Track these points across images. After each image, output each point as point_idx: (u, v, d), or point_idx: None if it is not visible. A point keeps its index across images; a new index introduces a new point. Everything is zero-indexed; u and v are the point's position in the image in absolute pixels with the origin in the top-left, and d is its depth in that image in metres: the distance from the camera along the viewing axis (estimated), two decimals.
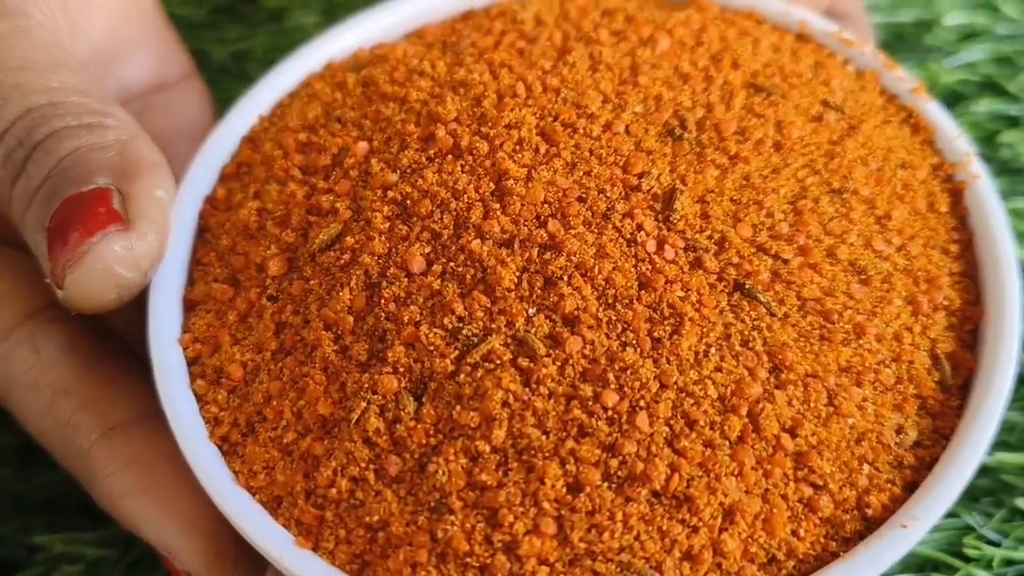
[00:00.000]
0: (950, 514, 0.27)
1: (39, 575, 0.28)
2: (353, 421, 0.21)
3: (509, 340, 0.21)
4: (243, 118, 0.27)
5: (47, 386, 0.24)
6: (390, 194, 0.23)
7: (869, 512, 0.21)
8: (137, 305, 0.24)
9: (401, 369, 0.21)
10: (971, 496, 0.28)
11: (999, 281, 0.23)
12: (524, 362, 0.20)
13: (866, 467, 0.21)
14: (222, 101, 0.36)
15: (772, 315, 0.21)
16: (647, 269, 0.21)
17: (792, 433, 0.21)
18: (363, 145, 0.24)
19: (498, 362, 0.20)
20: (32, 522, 0.29)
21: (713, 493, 0.20)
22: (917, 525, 0.21)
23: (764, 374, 0.21)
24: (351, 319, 0.22)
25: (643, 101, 0.24)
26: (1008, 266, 0.23)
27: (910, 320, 0.23)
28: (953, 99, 0.36)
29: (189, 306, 0.24)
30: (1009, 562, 0.27)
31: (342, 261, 0.22)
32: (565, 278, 0.21)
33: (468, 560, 0.20)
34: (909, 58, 0.37)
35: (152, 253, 0.23)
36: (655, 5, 0.28)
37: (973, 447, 0.21)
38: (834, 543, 0.21)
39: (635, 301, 0.21)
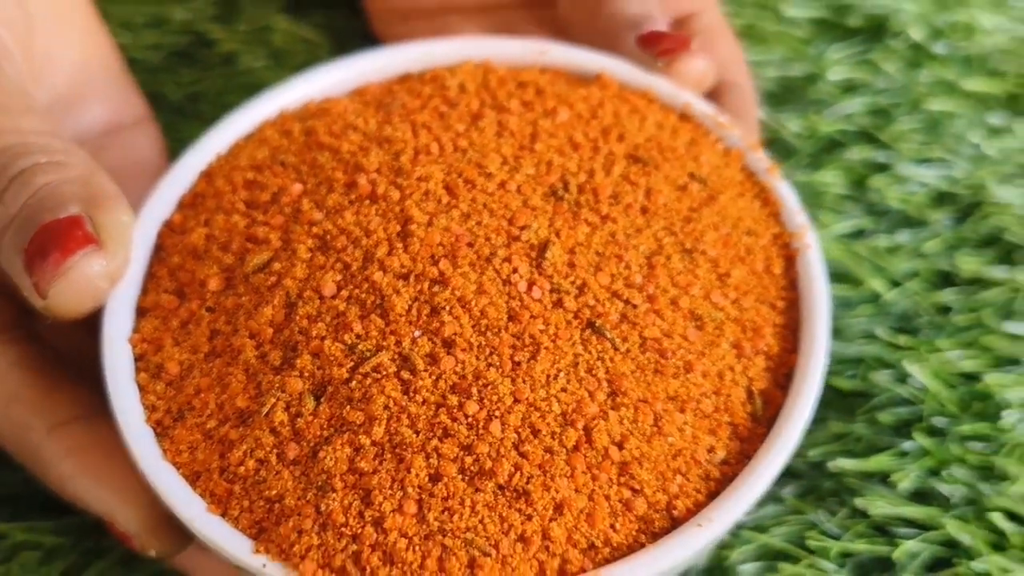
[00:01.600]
0: (797, 511, 0.31)
1: (0, 561, 0.31)
2: (263, 414, 0.24)
3: (396, 356, 0.24)
4: (202, 156, 0.30)
5: (2, 393, 0.27)
6: (314, 229, 0.26)
7: (675, 513, 0.24)
8: (78, 322, 0.27)
9: (306, 374, 0.24)
10: (817, 496, 0.31)
11: (812, 334, 0.27)
12: (406, 375, 0.24)
13: (678, 477, 0.24)
14: (177, 140, 0.38)
15: (616, 349, 0.25)
16: (516, 305, 0.25)
17: (619, 446, 0.24)
18: (298, 187, 0.27)
19: (384, 373, 0.24)
20: None
21: (547, 490, 0.23)
22: (711, 525, 0.24)
23: (602, 397, 0.24)
24: (271, 331, 0.25)
25: (536, 165, 0.27)
26: (821, 322, 0.27)
27: (734, 361, 0.26)
28: (831, 146, 0.39)
29: (141, 312, 0.27)
30: (847, 554, 0.31)
31: (269, 282, 0.26)
32: (447, 308, 0.24)
33: (343, 530, 0.23)
34: (795, 108, 0.40)
35: (121, 269, 0.26)
36: (565, 81, 0.31)
37: (768, 466, 0.25)
38: (644, 536, 0.24)
39: (503, 330, 0.24)
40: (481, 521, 0.23)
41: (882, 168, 0.39)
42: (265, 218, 0.27)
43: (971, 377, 0.34)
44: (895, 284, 0.36)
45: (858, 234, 0.37)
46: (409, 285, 0.25)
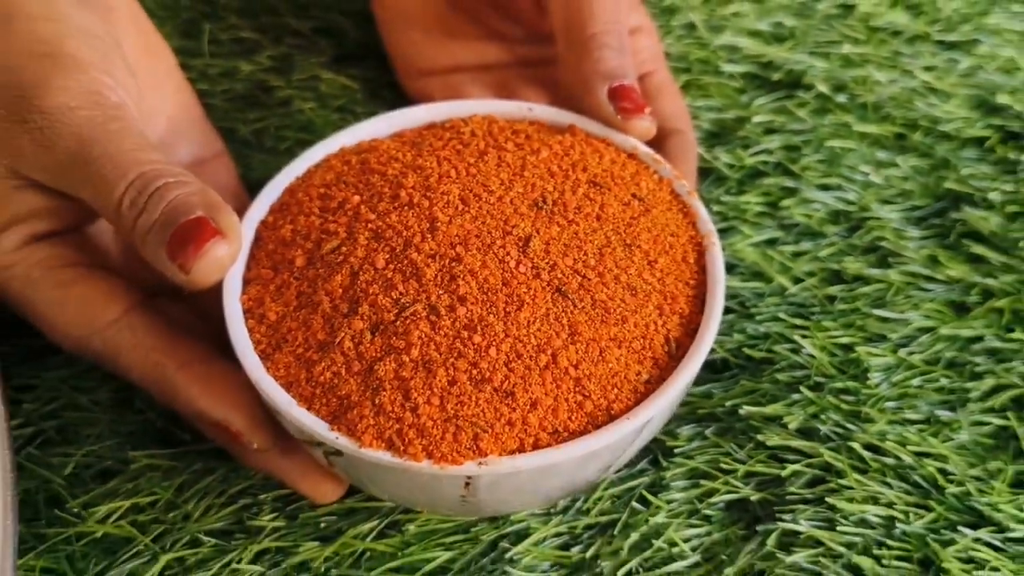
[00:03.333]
0: (716, 444, 0.42)
1: (130, 479, 0.41)
2: (336, 342, 0.33)
3: (426, 306, 0.33)
4: (286, 178, 0.40)
5: (140, 349, 0.37)
6: (369, 225, 0.35)
7: (612, 412, 0.33)
8: (204, 291, 0.37)
9: (365, 318, 0.33)
10: (731, 434, 0.42)
11: (713, 301, 0.36)
12: (433, 318, 0.33)
13: (615, 390, 0.33)
14: (247, 167, 0.49)
15: (575, 306, 0.34)
16: (508, 276, 0.34)
17: (575, 367, 0.33)
18: (356, 198, 0.36)
19: (419, 316, 0.33)
20: (124, 443, 0.41)
21: (526, 392, 0.32)
22: (635, 419, 0.33)
23: (564, 335, 0.33)
24: (340, 291, 0.34)
25: (524, 186, 0.36)
26: (718, 298, 0.36)
27: (657, 318, 0.35)
28: (753, 175, 0.49)
29: (246, 281, 0.36)
30: (750, 473, 0.42)
31: (338, 260, 0.35)
32: (461, 276, 0.33)
33: (390, 415, 0.32)
34: (727, 145, 0.50)
35: (236, 252, 0.34)
36: (547, 130, 0.40)
37: (675, 385, 0.34)
38: (591, 426, 0.33)
39: (499, 291, 0.33)
40: (482, 411, 0.32)
41: (792, 192, 0.49)
42: (334, 218, 0.36)
43: (847, 348, 0.44)
44: (797, 281, 0.46)
45: (771, 242, 0.47)
46: (435, 262, 0.34)
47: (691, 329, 0.36)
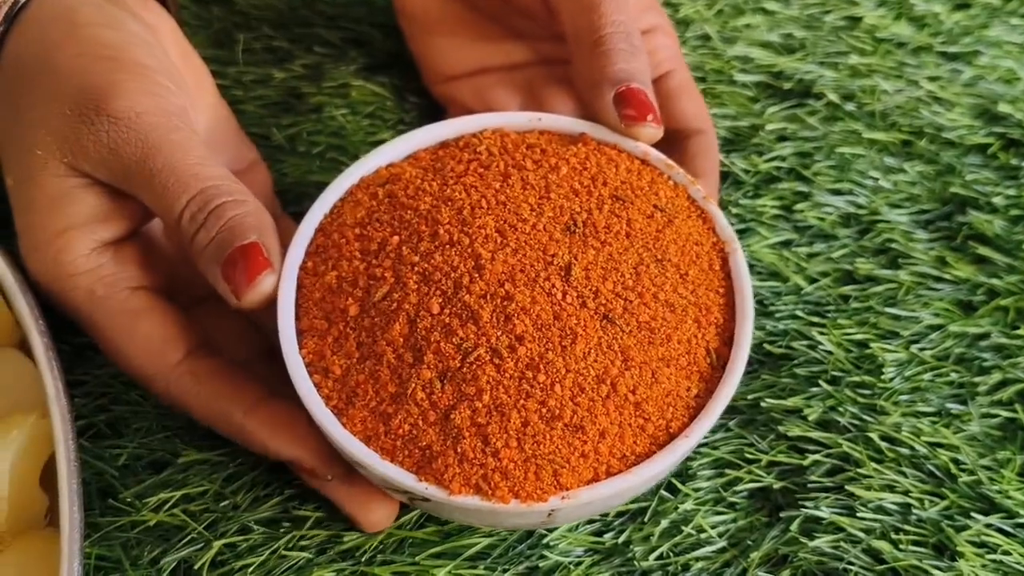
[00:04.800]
0: (739, 435, 0.44)
1: (180, 471, 0.41)
2: (408, 394, 0.33)
3: (488, 349, 0.33)
4: (314, 216, 0.38)
5: (205, 396, 0.37)
6: (416, 268, 0.34)
7: (671, 431, 0.34)
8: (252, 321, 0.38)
9: (432, 366, 0.33)
10: (753, 426, 0.43)
11: (743, 309, 0.36)
12: (496, 360, 0.32)
13: (670, 409, 0.34)
14: (281, 172, 0.49)
15: (623, 332, 0.33)
16: (558, 309, 0.33)
17: (633, 392, 0.33)
18: (396, 238, 0.35)
19: (483, 361, 0.32)
20: (172, 437, 0.42)
21: (594, 424, 0.33)
22: (692, 436, 0.34)
23: (619, 362, 0.33)
24: (401, 339, 0.33)
25: (553, 209, 0.35)
26: (748, 302, 0.36)
27: (696, 331, 0.35)
28: (768, 180, 0.51)
29: (300, 332, 0.35)
30: (772, 463, 0.43)
31: (392, 307, 0.34)
32: (515, 315, 0.33)
33: (474, 461, 0.32)
34: (742, 151, 0.51)
35: (278, 277, 0.35)
36: (558, 140, 0.39)
37: (723, 396, 0.35)
38: (654, 447, 0.34)
39: (552, 326, 0.33)
40: (557, 447, 0.33)
41: (805, 196, 0.49)
42: (378, 262, 0.35)
43: (862, 344, 0.45)
44: (812, 280, 0.47)
45: (787, 244, 0.48)
46: (488, 302, 0.33)
47: (727, 337, 0.36)
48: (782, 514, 0.41)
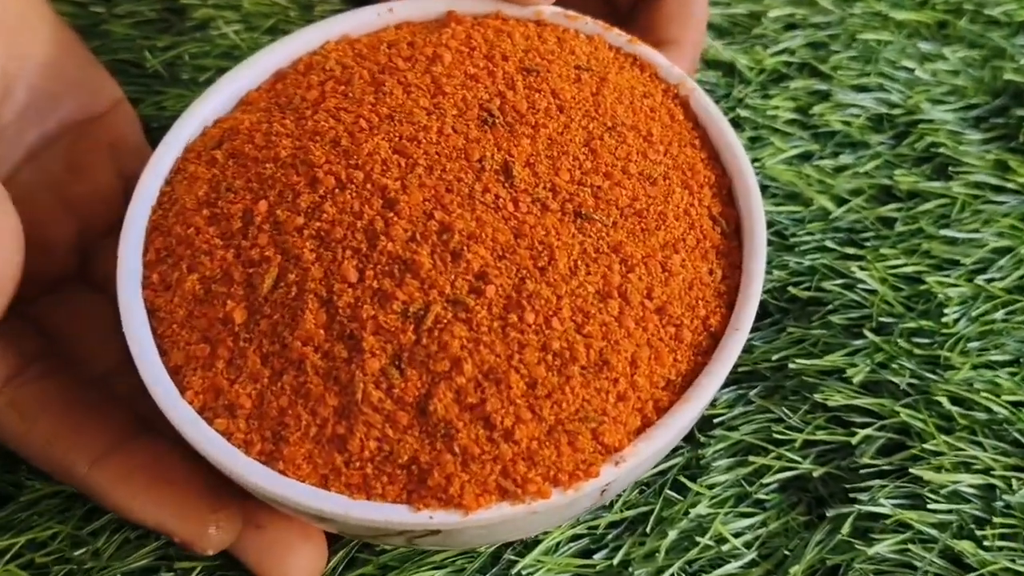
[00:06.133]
0: (764, 409, 0.34)
1: (23, 508, 0.32)
2: (359, 399, 0.25)
3: (445, 304, 0.26)
4: (139, 214, 0.30)
5: (37, 439, 0.29)
6: (305, 232, 0.27)
7: (712, 330, 0.28)
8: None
9: (377, 352, 0.26)
10: (781, 395, 0.34)
11: (734, 156, 0.31)
12: (462, 314, 0.26)
13: (700, 302, 0.28)
14: (159, 107, 0.40)
15: (605, 225, 0.27)
16: (515, 223, 0.27)
17: (650, 297, 0.27)
18: (263, 203, 0.28)
19: (445, 321, 0.26)
20: (17, 466, 0.33)
21: (618, 352, 0.26)
22: (741, 329, 0.28)
23: (617, 266, 0.27)
24: (322, 332, 0.26)
25: (455, 105, 0.29)
26: (735, 144, 0.31)
27: (689, 198, 0.29)
28: (777, 78, 0.42)
29: (175, 372, 0.27)
30: (809, 443, 0.34)
31: (292, 294, 0.26)
32: (464, 248, 0.26)
33: (483, 458, 0.25)
34: (740, 43, 0.43)
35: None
36: (423, 30, 0.32)
37: (755, 271, 0.29)
38: (699, 357, 0.28)
39: (516, 248, 0.27)
40: (584, 399, 0.26)
41: (824, 96, 0.42)
42: (250, 241, 0.28)
43: (914, 279, 0.37)
44: (842, 201, 0.39)
45: (806, 157, 0.40)
46: (422, 243, 0.26)
47: (725, 196, 0.31)
48: (828, 512, 0.32)
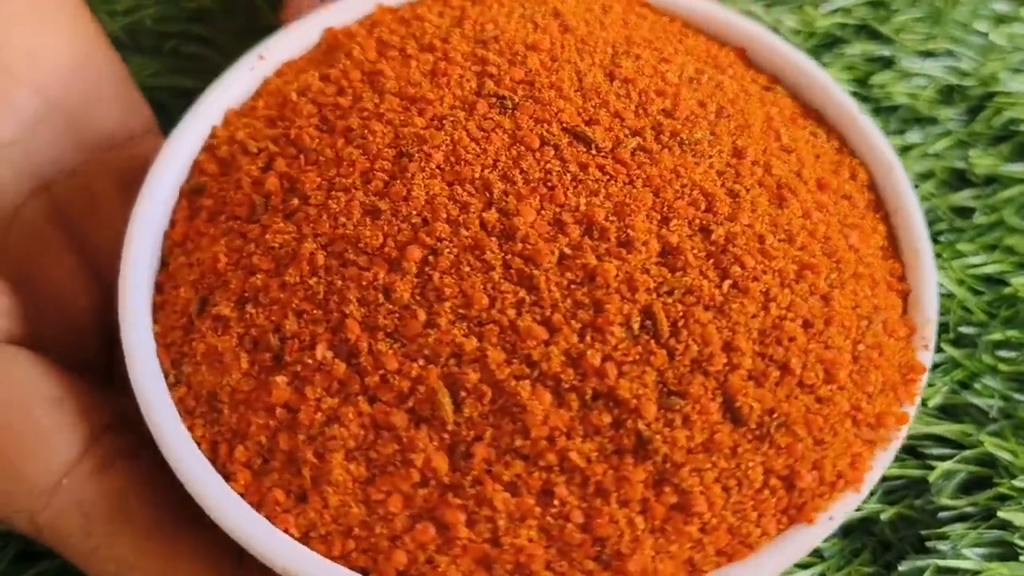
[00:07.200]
0: None
1: None
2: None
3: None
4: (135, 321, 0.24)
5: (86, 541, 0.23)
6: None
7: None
8: None
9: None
10: None
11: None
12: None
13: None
14: None
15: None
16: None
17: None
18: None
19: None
20: None
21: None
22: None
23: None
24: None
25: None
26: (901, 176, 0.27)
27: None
28: (830, 42, 0.37)
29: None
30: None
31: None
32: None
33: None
34: (787, 1, 0.38)
35: None
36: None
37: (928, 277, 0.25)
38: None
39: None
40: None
41: (886, 63, 0.36)
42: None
43: (997, 281, 0.32)
44: None
45: None
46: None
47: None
48: (902, 566, 0.27)
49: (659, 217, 0.23)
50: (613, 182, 0.23)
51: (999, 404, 0.29)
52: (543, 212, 0.22)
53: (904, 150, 0.34)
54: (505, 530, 0.21)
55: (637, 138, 0.23)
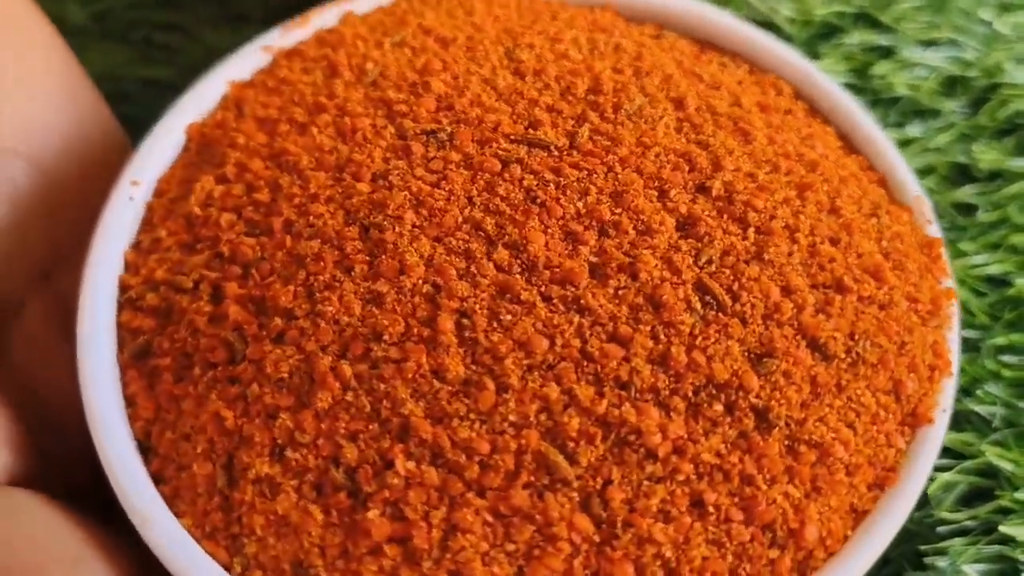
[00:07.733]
0: None
1: None
2: None
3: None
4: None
5: None
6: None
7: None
8: None
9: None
10: None
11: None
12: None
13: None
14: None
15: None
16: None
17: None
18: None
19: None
20: None
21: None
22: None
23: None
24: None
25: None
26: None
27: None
28: (828, 32, 0.35)
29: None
30: None
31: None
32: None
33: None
34: None
35: None
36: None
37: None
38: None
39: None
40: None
41: (885, 52, 0.35)
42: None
43: (1001, 282, 0.30)
44: None
45: None
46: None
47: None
48: None
49: (656, 193, 0.22)
50: (595, 175, 0.22)
51: (1002, 412, 0.28)
52: (550, 231, 0.21)
53: (905, 143, 0.33)
54: (677, 559, 0.20)
55: (586, 124, 0.22)
